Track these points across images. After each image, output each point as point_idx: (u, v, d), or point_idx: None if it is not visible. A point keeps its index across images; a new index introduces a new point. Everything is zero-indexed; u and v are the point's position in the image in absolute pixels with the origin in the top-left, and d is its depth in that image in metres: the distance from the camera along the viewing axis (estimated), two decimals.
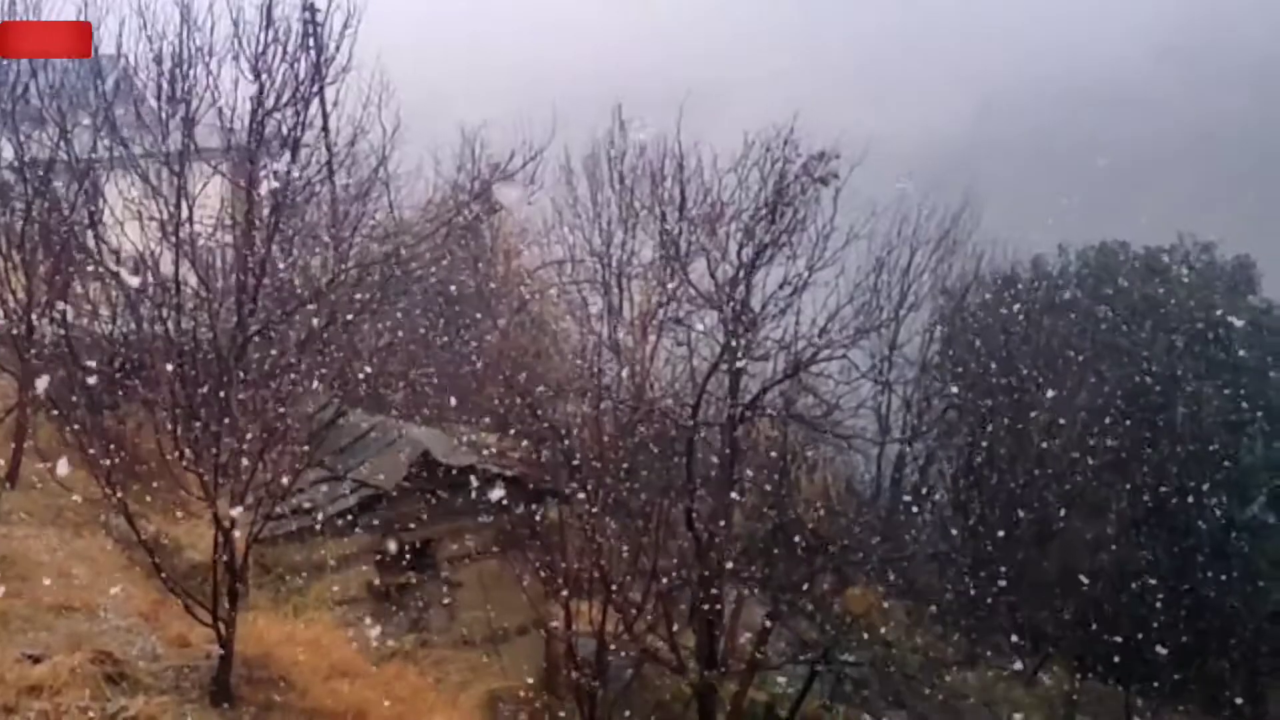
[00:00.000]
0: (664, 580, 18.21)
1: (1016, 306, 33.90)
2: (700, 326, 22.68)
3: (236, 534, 12.11)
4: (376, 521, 18.04)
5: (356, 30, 21.64)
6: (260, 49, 19.70)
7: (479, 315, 25.68)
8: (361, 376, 19.65)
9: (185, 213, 18.53)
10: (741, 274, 20.95)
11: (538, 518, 18.35)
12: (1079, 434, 29.99)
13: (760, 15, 74.79)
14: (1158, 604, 29.46)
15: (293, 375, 13.52)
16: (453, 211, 27.35)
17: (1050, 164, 53.10)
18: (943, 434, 32.88)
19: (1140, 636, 28.76)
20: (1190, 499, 32.61)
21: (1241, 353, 36.09)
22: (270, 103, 19.89)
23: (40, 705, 10.80)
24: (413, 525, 18.41)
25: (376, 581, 17.83)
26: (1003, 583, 25.45)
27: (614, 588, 16.23)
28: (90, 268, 19.12)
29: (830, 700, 24.79)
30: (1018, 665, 29.48)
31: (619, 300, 29.35)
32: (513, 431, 20.07)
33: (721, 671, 20.03)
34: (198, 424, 12.39)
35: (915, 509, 31.10)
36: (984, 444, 30.49)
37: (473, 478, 18.56)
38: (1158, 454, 31.35)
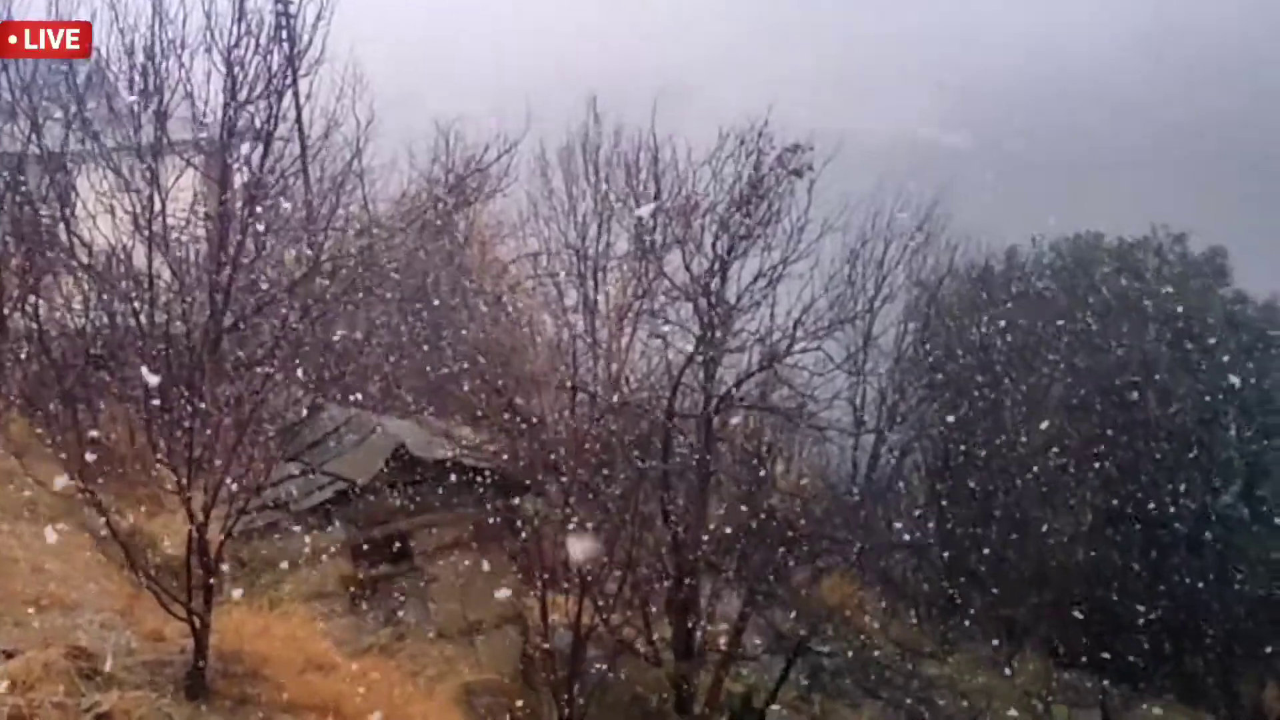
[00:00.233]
0: (640, 572, 18.23)
1: (990, 298, 34.06)
2: (675, 319, 22.72)
3: (211, 528, 12.08)
4: (352, 515, 17.99)
5: (329, 23, 21.66)
6: (233, 41, 19.70)
7: (454, 308, 25.64)
8: (336, 370, 19.63)
9: (158, 206, 18.49)
10: (716, 266, 20.99)
11: (513, 511, 18.36)
12: (1053, 425, 30.12)
13: (735, 10, 74.88)
14: (1132, 594, 29.65)
15: (266, 369, 13.47)
16: (427, 204, 27.32)
17: (1023, 157, 53.26)
18: (917, 425, 32.99)
19: (1115, 626, 28.96)
20: (1163, 490, 32.79)
21: (1214, 344, 36.25)
22: (243, 95, 19.87)
23: (14, 700, 10.73)
24: (388, 519, 18.37)
25: (352, 575, 17.78)
26: (978, 573, 25.57)
27: (590, 580, 16.23)
28: (63, 261, 19.05)
29: (806, 690, 24.88)
30: (992, 655, 29.61)
31: (594, 293, 29.39)
32: (488, 424, 20.07)
33: (698, 662, 20.09)
34: (171, 417, 12.35)
35: (890, 500, 31.23)
36: (958, 435, 30.59)
37: (448, 471, 18.56)
38: (1131, 445, 31.49)
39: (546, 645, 16.16)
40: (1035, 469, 29.43)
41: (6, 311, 17.45)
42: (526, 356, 23.13)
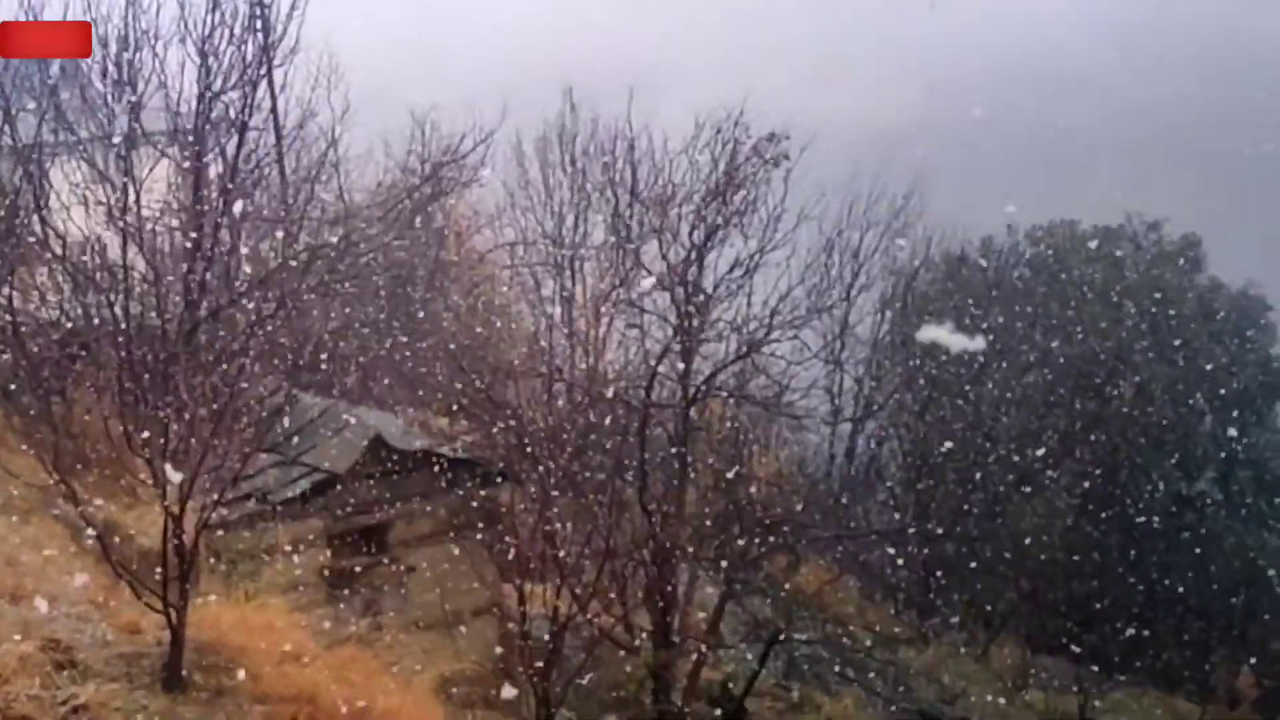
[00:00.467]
0: (618, 561, 18.26)
1: (966, 286, 34.18)
2: (653, 309, 22.74)
3: (187, 520, 12.05)
4: (329, 506, 17.97)
5: (304, 12, 21.60)
6: (207, 31, 19.60)
7: (431, 298, 25.64)
8: (312, 360, 19.59)
9: (132, 197, 18.40)
10: (693, 255, 21.00)
11: (491, 500, 18.38)
12: (1029, 412, 30.26)
13: None
14: (1108, 581, 29.85)
15: (242, 359, 13.45)
16: (403, 194, 27.27)
17: (998, 146, 53.37)
18: (894, 413, 33.11)
19: (1091, 613, 29.15)
20: (1139, 477, 33.01)
21: (1189, 332, 36.45)
22: (217, 85, 19.79)
23: None
24: (365, 509, 18.36)
25: (329, 565, 17.76)
26: (955, 561, 25.69)
27: (568, 569, 16.25)
28: (37, 253, 18.96)
29: (784, 678, 24.97)
30: (969, 642, 29.80)
31: (571, 282, 29.41)
32: (466, 414, 20.06)
33: (676, 651, 20.13)
34: (146, 409, 12.31)
35: (867, 488, 31.34)
36: (935, 424, 30.71)
37: (426, 461, 18.56)
38: (1107, 433, 31.66)
39: (524, 635, 16.17)
40: (1012, 457, 29.57)
41: None
42: (504, 346, 23.14)
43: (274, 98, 23.63)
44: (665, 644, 19.79)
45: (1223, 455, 37.82)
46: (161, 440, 11.87)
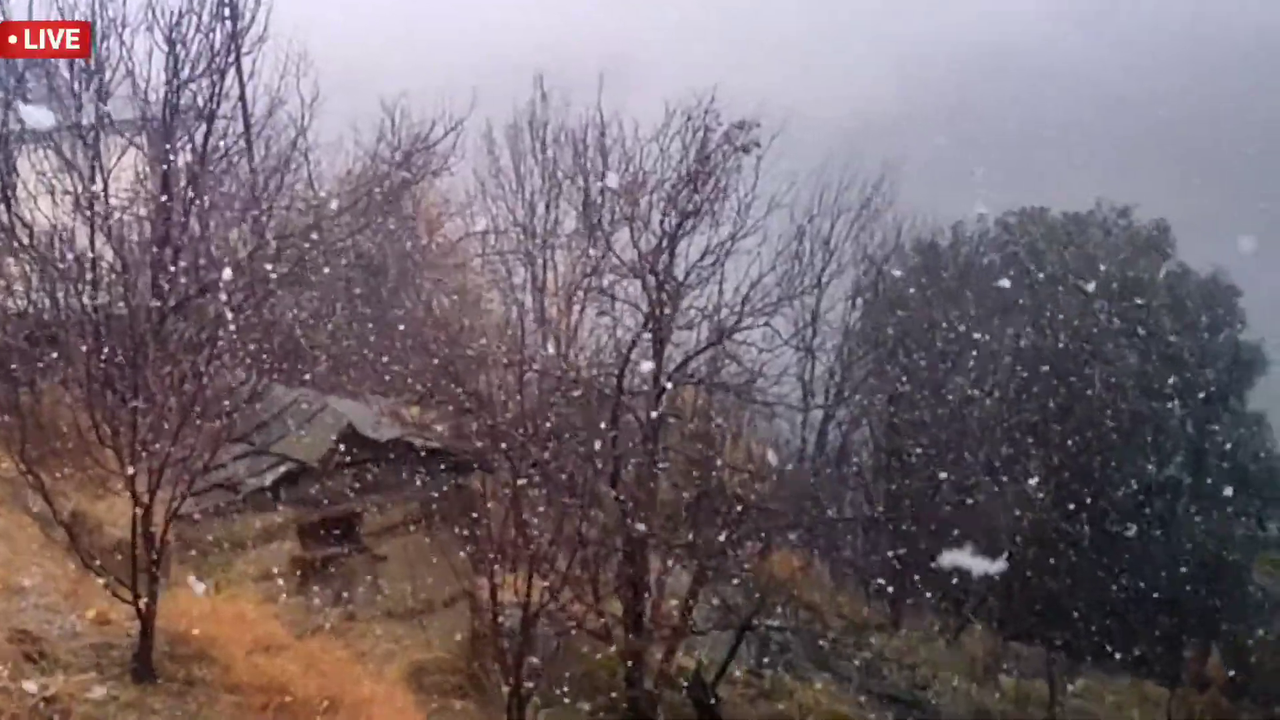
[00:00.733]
0: (590, 549, 18.27)
1: (937, 272, 34.30)
2: (624, 296, 22.72)
3: (157, 510, 12.02)
4: (300, 495, 17.93)
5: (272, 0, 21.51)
6: (175, 19, 19.51)
7: (401, 287, 25.56)
8: (283, 350, 19.51)
9: (100, 186, 18.30)
10: (665, 243, 20.99)
11: (462, 489, 18.36)
12: (999, 398, 30.39)
13: None
14: (1078, 566, 30.00)
15: (211, 349, 13.39)
16: (373, 182, 27.16)
17: (969, 132, 53.51)
18: (866, 400, 33.19)
19: (1060, 598, 29.29)
20: (1109, 462, 33.16)
21: (1158, 317, 36.60)
22: (185, 73, 19.70)
23: None
24: (337, 499, 18.33)
25: (301, 556, 17.73)
26: (926, 547, 25.76)
27: (539, 557, 16.25)
28: (3, 242, 18.84)
29: (757, 665, 25.06)
30: (940, 628, 29.93)
31: (543, 270, 29.39)
32: (437, 403, 20.02)
33: (648, 638, 20.17)
34: (115, 399, 12.27)
35: (839, 474, 31.42)
36: (906, 411, 30.80)
37: (397, 451, 18.54)
38: (1077, 418, 31.82)
39: (496, 624, 16.17)
40: (982, 441, 29.70)
41: None
42: (475, 334, 23.08)
43: (242, 86, 23.53)
44: (637, 631, 19.82)
45: (1192, 443, 38.05)
46: (130, 430, 11.83)
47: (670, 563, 21.77)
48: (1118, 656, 32.06)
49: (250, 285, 17.27)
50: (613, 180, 23.05)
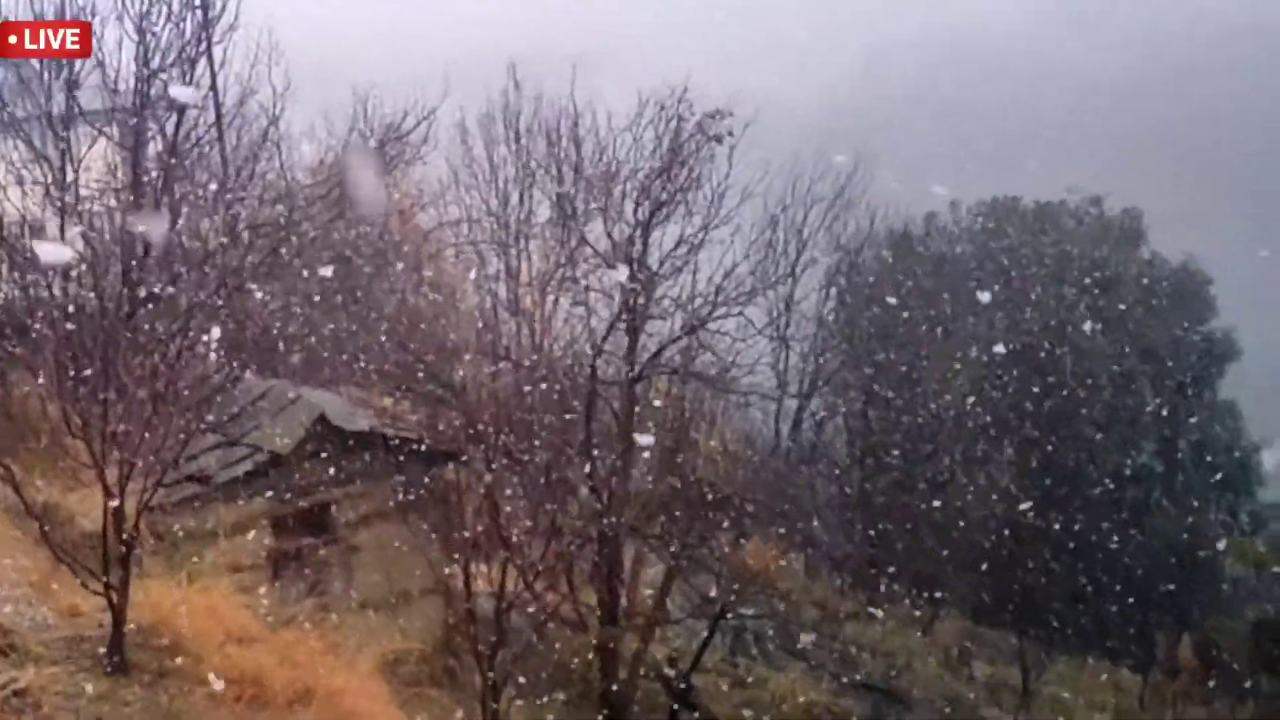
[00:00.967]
0: (564, 539, 18.27)
1: (910, 262, 34.36)
2: (598, 286, 22.70)
3: (128, 502, 11.97)
4: (273, 486, 17.88)
5: None
6: (145, 8, 19.38)
7: (374, 276, 25.47)
8: (255, 340, 19.42)
9: (70, 176, 18.19)
10: (638, 233, 20.98)
11: (437, 480, 18.33)
12: (972, 387, 30.46)
13: None
14: (1049, 552, 30.12)
15: (183, 340, 13.33)
16: (344, 172, 27.03)
17: (942, 122, 53.60)
18: (839, 389, 33.25)
19: (1033, 585, 29.42)
20: (1081, 449, 33.29)
21: (1129, 305, 36.68)
22: (155, 63, 19.58)
23: None
24: (310, 490, 18.27)
25: (274, 547, 17.69)
26: (899, 534, 25.86)
27: (513, 547, 16.25)
28: None
29: (731, 654, 25.11)
30: (914, 615, 30.01)
31: (517, 260, 29.32)
32: (410, 394, 19.98)
33: (622, 628, 20.19)
34: (85, 391, 12.20)
35: (812, 464, 31.48)
36: (879, 399, 30.87)
37: (370, 441, 18.49)
38: (1048, 404, 31.92)
39: (470, 614, 16.17)
40: (954, 429, 29.79)
41: None
42: (448, 325, 23.02)
43: (213, 75, 23.37)
44: (612, 621, 19.84)
45: (1164, 430, 38.17)
46: (101, 422, 11.77)
47: (645, 552, 21.81)
48: (1090, 642, 32.21)
49: (221, 276, 17.19)
50: (580, 173, 23.10)
